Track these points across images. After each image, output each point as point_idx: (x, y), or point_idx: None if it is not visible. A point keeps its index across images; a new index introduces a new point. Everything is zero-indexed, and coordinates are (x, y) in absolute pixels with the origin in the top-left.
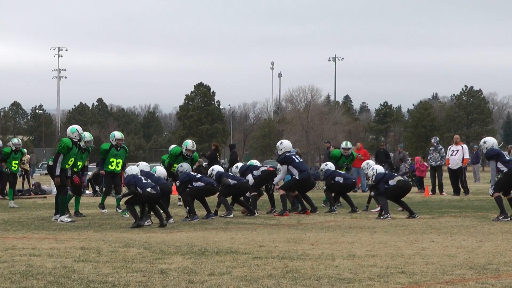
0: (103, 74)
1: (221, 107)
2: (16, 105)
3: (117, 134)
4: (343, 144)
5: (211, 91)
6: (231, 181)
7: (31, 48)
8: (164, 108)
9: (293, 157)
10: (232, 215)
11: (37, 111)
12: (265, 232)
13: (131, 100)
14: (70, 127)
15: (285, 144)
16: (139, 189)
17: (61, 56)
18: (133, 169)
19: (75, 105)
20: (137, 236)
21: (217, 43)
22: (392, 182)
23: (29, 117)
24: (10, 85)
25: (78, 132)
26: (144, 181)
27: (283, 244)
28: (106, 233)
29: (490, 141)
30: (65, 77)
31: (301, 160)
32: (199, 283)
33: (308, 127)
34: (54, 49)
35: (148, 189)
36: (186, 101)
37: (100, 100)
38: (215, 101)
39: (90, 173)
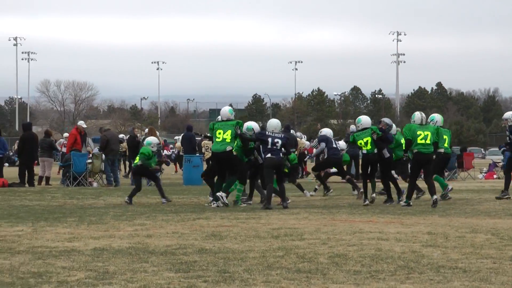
0: (443, 57)
1: None
2: (356, 90)
3: None
4: None
5: None
6: None
7: (371, 33)
8: (504, 92)
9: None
10: None
11: (376, 95)
12: None
13: (470, 84)
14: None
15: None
16: None
17: (400, 41)
18: None
19: (413, 90)
20: (483, 222)
21: None
22: None
23: (368, 101)
24: (351, 70)
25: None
26: None
27: None
28: (451, 218)
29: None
30: (404, 62)
31: None
32: None
33: None
34: (393, 34)
35: None
36: None
37: (439, 84)
38: None
39: None
